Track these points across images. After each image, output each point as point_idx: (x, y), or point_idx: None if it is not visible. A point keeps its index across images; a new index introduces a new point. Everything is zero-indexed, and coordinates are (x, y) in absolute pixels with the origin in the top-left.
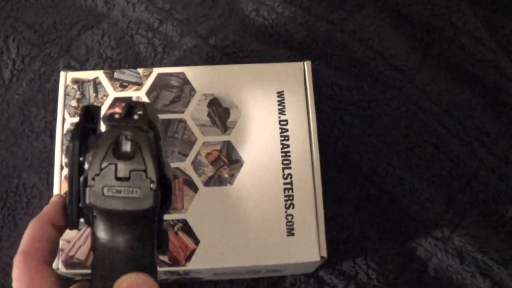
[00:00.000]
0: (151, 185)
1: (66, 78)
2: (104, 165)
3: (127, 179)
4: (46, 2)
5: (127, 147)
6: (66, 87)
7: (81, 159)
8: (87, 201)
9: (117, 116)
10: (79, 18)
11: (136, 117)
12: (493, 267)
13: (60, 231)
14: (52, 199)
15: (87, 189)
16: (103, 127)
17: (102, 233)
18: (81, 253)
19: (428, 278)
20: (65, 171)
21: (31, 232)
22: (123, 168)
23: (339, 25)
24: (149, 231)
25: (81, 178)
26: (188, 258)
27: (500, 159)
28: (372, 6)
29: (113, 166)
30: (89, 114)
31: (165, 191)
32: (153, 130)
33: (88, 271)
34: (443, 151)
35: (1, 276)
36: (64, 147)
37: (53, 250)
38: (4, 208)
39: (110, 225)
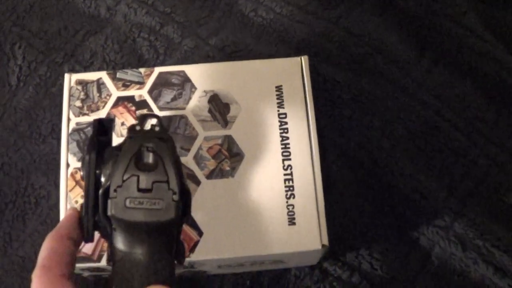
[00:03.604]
0: (174, 196)
1: (70, 79)
2: (126, 176)
3: (149, 190)
4: (51, 11)
5: (149, 158)
6: (70, 88)
7: (97, 171)
8: (109, 213)
9: (138, 127)
10: (83, 25)
11: (157, 128)
12: (495, 253)
13: (77, 245)
14: (67, 213)
15: (109, 201)
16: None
17: (122, 245)
18: (88, 248)
19: (431, 267)
20: (71, 168)
21: (49, 246)
22: (145, 180)
23: (336, 22)
24: (169, 243)
25: (101, 190)
26: (192, 250)
27: (499, 148)
28: (368, 3)
29: (135, 178)
30: (102, 126)
31: (185, 201)
32: (171, 141)
33: (95, 265)
34: (442, 141)
35: (12, 275)
36: (70, 146)
37: (71, 264)
38: (14, 208)
39: (130, 237)
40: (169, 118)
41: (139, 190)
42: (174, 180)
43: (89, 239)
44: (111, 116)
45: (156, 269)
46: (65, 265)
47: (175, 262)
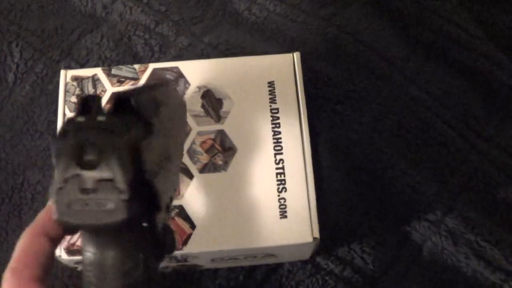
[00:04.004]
0: (121, 195)
1: (66, 76)
2: (67, 176)
3: (93, 190)
4: (47, 9)
5: (90, 154)
6: (66, 84)
7: None
8: (54, 217)
9: (80, 119)
10: (79, 23)
11: (101, 118)
12: (486, 248)
13: (56, 242)
14: (47, 206)
15: (53, 205)
16: None
17: (89, 247)
18: None
19: (423, 261)
20: None
21: (21, 245)
22: (88, 179)
23: (329, 20)
24: (139, 241)
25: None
26: (185, 242)
27: (490, 143)
28: (360, 1)
29: (76, 177)
30: (87, 106)
31: (150, 194)
32: (136, 127)
33: None
34: (433, 136)
35: None
36: None
37: (46, 264)
38: (10, 204)
39: (94, 239)
40: None
41: (82, 191)
42: (121, 177)
43: (71, 232)
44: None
45: (125, 272)
46: (37, 267)
47: (162, 255)
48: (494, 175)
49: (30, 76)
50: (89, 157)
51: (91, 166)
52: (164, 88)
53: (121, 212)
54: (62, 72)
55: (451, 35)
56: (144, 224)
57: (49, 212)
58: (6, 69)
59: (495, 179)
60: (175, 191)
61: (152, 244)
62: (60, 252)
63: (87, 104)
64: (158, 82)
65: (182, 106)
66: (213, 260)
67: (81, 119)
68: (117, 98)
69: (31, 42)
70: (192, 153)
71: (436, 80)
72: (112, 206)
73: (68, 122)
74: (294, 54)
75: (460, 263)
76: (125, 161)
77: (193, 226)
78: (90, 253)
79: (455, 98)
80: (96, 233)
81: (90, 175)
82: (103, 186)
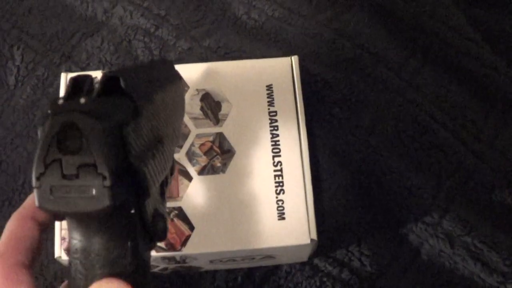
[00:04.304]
0: (104, 182)
1: (66, 79)
2: (48, 161)
3: (75, 176)
4: (48, 13)
5: (72, 138)
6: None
7: None
8: (36, 204)
9: (61, 101)
10: (80, 27)
11: (82, 100)
12: (483, 250)
13: (43, 225)
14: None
15: (34, 190)
16: None
17: (75, 234)
18: None
19: (420, 264)
20: None
21: (8, 229)
22: (69, 164)
23: (327, 24)
24: (126, 228)
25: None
26: (184, 244)
27: (486, 146)
28: (358, 6)
29: (57, 162)
30: (78, 87)
31: (137, 179)
32: (122, 109)
33: None
34: (430, 139)
35: None
36: None
37: (32, 249)
38: (10, 206)
39: (80, 226)
40: None
41: (64, 176)
42: (103, 163)
43: (60, 217)
44: None
45: (111, 260)
46: (24, 251)
47: (151, 243)
48: (490, 178)
49: (31, 79)
50: (71, 141)
51: (72, 151)
52: (167, 66)
53: (104, 199)
54: (63, 74)
55: (448, 39)
56: (132, 211)
57: None
58: (7, 72)
59: (491, 181)
60: (172, 175)
61: (142, 231)
62: (60, 253)
63: (78, 85)
64: (160, 60)
65: (182, 92)
66: (211, 261)
67: (62, 101)
68: (105, 78)
69: (32, 45)
70: (191, 155)
71: (433, 84)
72: (95, 192)
73: (51, 104)
74: (292, 57)
75: (457, 265)
76: (108, 146)
77: (191, 228)
78: (76, 240)
79: (452, 102)
80: (81, 220)
81: (71, 160)
82: (85, 172)
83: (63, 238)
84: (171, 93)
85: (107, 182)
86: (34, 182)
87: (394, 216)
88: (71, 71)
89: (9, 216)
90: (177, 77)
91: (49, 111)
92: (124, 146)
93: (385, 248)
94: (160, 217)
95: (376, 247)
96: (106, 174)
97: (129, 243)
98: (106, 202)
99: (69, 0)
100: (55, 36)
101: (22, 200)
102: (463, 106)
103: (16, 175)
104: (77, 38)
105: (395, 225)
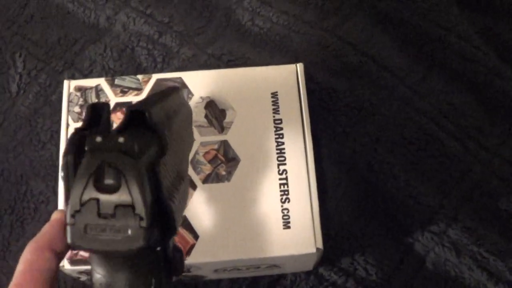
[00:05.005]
0: (141, 222)
1: (69, 86)
2: (84, 199)
3: (111, 216)
4: (51, 20)
5: (110, 177)
6: (69, 94)
7: None
8: (68, 241)
9: (99, 139)
10: (83, 34)
11: (121, 139)
12: (489, 259)
13: (61, 256)
14: (53, 217)
15: (68, 228)
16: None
17: (99, 269)
18: None
19: (426, 273)
20: None
21: (25, 260)
22: (106, 203)
23: (332, 31)
24: (151, 265)
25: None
26: (188, 253)
27: (493, 154)
28: (362, 13)
29: (94, 201)
30: (96, 115)
31: (167, 220)
32: (152, 145)
33: None
34: (436, 148)
35: (11, 280)
36: None
37: (50, 281)
38: (13, 214)
39: (105, 261)
40: None
41: (100, 215)
42: (141, 203)
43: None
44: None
45: None
46: (42, 283)
47: (170, 277)
48: (497, 186)
49: (33, 87)
50: (108, 180)
51: (110, 190)
52: (175, 95)
53: (139, 240)
54: (66, 82)
55: (453, 46)
56: (158, 248)
57: (55, 225)
58: (10, 79)
59: (498, 190)
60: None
61: (164, 267)
62: (63, 262)
63: (96, 113)
64: (167, 89)
65: (190, 115)
66: (216, 270)
67: (100, 139)
68: (130, 112)
69: (35, 52)
70: (195, 164)
71: (438, 91)
72: (130, 233)
73: (88, 141)
74: (298, 65)
75: (463, 275)
76: (145, 185)
77: (196, 237)
78: (100, 275)
79: (458, 109)
80: (108, 256)
81: (108, 200)
82: (123, 212)
83: (82, 272)
84: (184, 121)
85: (144, 223)
86: (68, 219)
87: (399, 225)
88: (74, 78)
89: (12, 225)
90: (186, 104)
91: (85, 148)
92: (156, 185)
93: (390, 257)
94: (176, 250)
95: (382, 256)
96: (144, 215)
97: (153, 280)
98: (140, 242)
99: (72, 7)
100: (58, 43)
101: (24, 209)
102: (468, 114)
103: (18, 183)
104: (80, 45)
105: (401, 233)
